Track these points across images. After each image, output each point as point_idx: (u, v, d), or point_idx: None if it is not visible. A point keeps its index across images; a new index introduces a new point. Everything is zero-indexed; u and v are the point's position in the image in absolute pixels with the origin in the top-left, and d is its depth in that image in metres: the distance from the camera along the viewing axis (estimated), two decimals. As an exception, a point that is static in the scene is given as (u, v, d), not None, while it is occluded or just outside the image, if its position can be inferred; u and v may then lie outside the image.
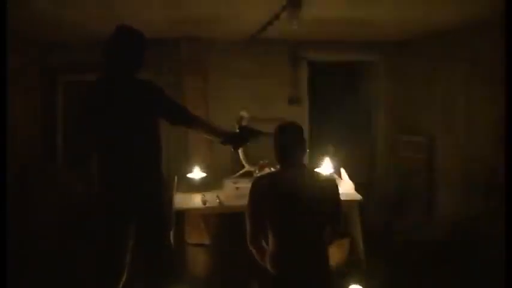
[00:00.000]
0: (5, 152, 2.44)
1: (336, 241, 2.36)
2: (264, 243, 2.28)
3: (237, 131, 2.88)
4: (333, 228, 2.29)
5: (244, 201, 2.29)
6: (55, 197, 4.45)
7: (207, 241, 3.79)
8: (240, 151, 3.87)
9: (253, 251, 2.27)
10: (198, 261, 3.52)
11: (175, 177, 3.73)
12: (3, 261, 2.23)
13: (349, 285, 2.93)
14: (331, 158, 3.83)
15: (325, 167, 3.77)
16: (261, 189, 2.25)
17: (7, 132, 2.51)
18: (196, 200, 3.42)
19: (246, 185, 3.63)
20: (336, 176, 3.70)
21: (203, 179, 3.70)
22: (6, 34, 2.48)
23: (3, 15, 2.42)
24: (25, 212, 4.13)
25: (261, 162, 3.80)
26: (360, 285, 2.94)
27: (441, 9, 3.56)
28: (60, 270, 3.65)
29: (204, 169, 3.81)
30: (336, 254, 2.44)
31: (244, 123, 3.36)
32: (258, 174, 3.67)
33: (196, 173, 3.71)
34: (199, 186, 3.64)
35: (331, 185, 2.31)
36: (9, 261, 2.36)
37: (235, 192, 3.63)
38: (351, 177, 3.75)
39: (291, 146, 2.27)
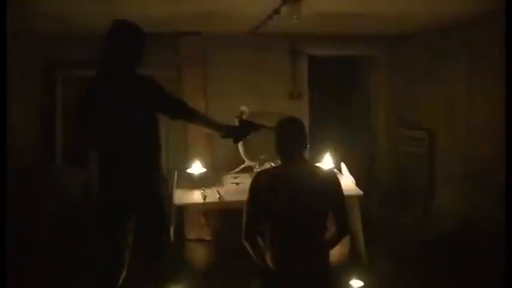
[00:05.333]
0: (5, 152, 2.42)
1: (343, 238, 2.34)
2: (259, 239, 2.27)
3: (237, 124, 2.86)
4: (338, 225, 2.27)
5: (244, 197, 2.28)
6: (54, 194, 4.44)
7: (207, 237, 3.78)
8: (240, 146, 3.86)
9: (248, 246, 2.26)
10: (198, 256, 3.51)
11: (175, 173, 3.72)
12: (3, 261, 2.22)
13: (350, 280, 2.93)
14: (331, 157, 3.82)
15: (326, 162, 3.76)
16: (261, 184, 2.24)
17: (7, 131, 2.50)
18: (196, 195, 3.41)
19: (246, 180, 3.62)
20: (336, 171, 3.68)
21: (203, 174, 3.69)
22: (7, 32, 2.46)
23: (4, 13, 2.40)
24: (24, 211, 4.12)
25: (262, 157, 3.79)
26: (361, 280, 2.94)
27: (442, 4, 3.54)
28: (60, 268, 3.65)
29: (204, 164, 3.80)
30: (336, 249, 2.42)
31: (244, 118, 3.35)
32: (259, 169, 3.66)
33: (196, 168, 3.70)
34: (199, 181, 3.63)
35: (332, 179, 2.30)
36: (9, 260, 2.35)
37: (236, 187, 3.62)
38: (351, 172, 3.74)
39: (292, 140, 2.25)
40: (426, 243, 4.19)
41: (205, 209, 3.44)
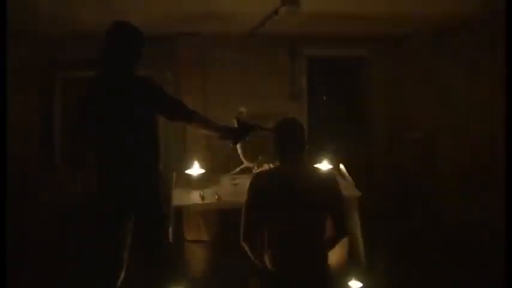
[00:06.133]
0: (5, 151, 2.42)
1: (342, 239, 2.34)
2: (257, 240, 2.27)
3: (236, 126, 2.86)
4: (337, 226, 2.28)
5: (242, 198, 2.28)
6: (54, 195, 4.44)
7: (205, 237, 3.77)
8: (238, 147, 3.85)
9: (246, 247, 2.26)
10: (197, 257, 3.50)
11: (174, 174, 3.72)
12: (3, 261, 2.22)
13: (349, 281, 2.93)
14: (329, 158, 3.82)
15: (324, 163, 3.75)
16: (260, 185, 2.24)
17: (7, 131, 2.50)
18: (194, 196, 3.40)
19: (244, 181, 3.61)
20: (335, 172, 3.68)
21: (202, 175, 3.68)
22: (7, 32, 2.46)
23: (4, 13, 2.40)
24: (24, 211, 4.12)
25: (260, 158, 3.79)
26: (360, 281, 2.94)
27: (440, 5, 3.54)
28: (59, 268, 3.65)
29: (202, 165, 3.79)
30: (335, 250, 2.42)
31: (242, 118, 3.34)
32: (257, 170, 3.65)
33: (195, 169, 3.69)
34: (197, 182, 3.62)
35: (330, 180, 2.30)
36: (9, 261, 2.35)
37: (234, 188, 3.61)
38: (350, 174, 3.74)
39: (290, 141, 2.26)
40: (426, 243, 4.19)
41: (203, 210, 3.43)
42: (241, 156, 3.91)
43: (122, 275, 2.49)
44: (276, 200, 2.19)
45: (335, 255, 2.39)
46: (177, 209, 3.24)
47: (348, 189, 3.48)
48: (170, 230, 3.06)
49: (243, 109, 3.49)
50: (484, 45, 4.01)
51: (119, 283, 2.48)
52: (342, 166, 3.82)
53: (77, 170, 4.38)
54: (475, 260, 3.71)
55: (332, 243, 2.30)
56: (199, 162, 3.76)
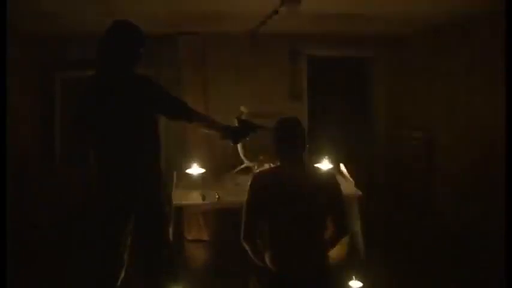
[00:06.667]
0: (5, 151, 2.42)
1: (342, 238, 2.34)
2: (258, 240, 2.27)
3: (237, 125, 2.86)
4: (337, 225, 2.27)
5: (243, 197, 2.28)
6: (54, 195, 4.43)
7: (205, 237, 3.78)
8: (239, 146, 3.86)
9: (247, 246, 2.26)
10: (197, 257, 3.51)
11: (174, 173, 3.71)
12: (3, 260, 2.22)
13: (349, 280, 2.93)
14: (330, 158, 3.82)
15: (324, 163, 3.75)
16: (261, 185, 2.24)
17: (7, 130, 2.50)
18: (195, 196, 3.40)
19: (245, 180, 3.61)
20: (335, 172, 3.68)
21: (202, 175, 3.68)
22: (6, 32, 2.46)
23: (4, 13, 2.40)
24: (24, 211, 4.12)
25: (261, 157, 3.79)
26: (360, 281, 2.94)
27: (441, 4, 3.54)
28: (58, 267, 3.65)
29: (202, 165, 3.79)
30: (335, 250, 2.42)
31: (243, 117, 3.34)
32: (258, 170, 3.65)
33: (195, 169, 3.69)
34: (197, 182, 3.62)
35: (331, 179, 2.30)
36: (9, 259, 2.35)
37: (235, 188, 3.61)
38: (350, 173, 3.74)
39: (290, 141, 2.25)
40: (425, 243, 4.19)
41: (204, 210, 3.44)
42: (241, 155, 3.91)
43: (122, 275, 2.49)
44: (277, 199, 2.19)
45: (335, 255, 2.38)
46: (178, 208, 3.25)
47: (348, 188, 3.49)
48: (170, 229, 3.06)
49: (243, 109, 3.49)
50: (484, 45, 4.02)
51: (118, 283, 2.48)
52: (342, 166, 3.82)
53: (77, 170, 4.39)
54: (475, 260, 3.71)
55: (332, 243, 2.30)
56: (200, 162, 3.76)
